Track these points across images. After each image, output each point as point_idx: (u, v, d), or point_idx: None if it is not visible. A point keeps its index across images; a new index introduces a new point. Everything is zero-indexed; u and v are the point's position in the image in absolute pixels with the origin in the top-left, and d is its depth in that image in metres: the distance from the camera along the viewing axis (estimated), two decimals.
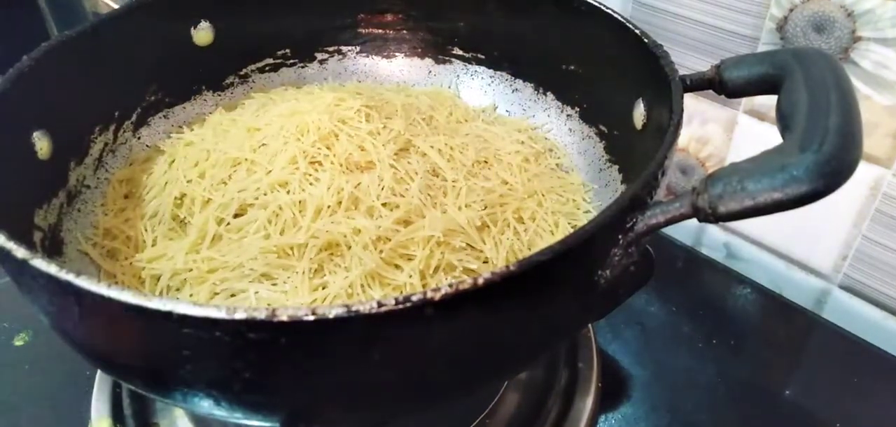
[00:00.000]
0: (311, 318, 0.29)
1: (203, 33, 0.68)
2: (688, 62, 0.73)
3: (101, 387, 0.60)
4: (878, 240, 0.67)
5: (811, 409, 0.62)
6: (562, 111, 0.67)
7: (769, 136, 0.70)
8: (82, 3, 1.05)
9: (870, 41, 0.61)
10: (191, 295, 0.48)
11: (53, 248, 0.52)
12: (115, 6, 0.83)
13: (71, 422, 0.60)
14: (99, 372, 0.61)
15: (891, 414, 0.63)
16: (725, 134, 0.74)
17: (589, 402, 0.60)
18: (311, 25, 0.73)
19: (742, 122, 0.73)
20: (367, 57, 0.76)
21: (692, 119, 0.77)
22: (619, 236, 0.37)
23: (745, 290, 0.75)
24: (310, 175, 0.53)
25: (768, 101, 0.68)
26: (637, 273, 0.41)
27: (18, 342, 0.67)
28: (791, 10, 0.64)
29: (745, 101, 0.72)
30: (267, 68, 0.73)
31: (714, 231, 0.81)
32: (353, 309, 0.29)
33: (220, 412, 0.35)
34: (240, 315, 0.29)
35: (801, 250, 0.74)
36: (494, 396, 0.59)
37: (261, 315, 0.29)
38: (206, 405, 0.35)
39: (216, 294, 0.48)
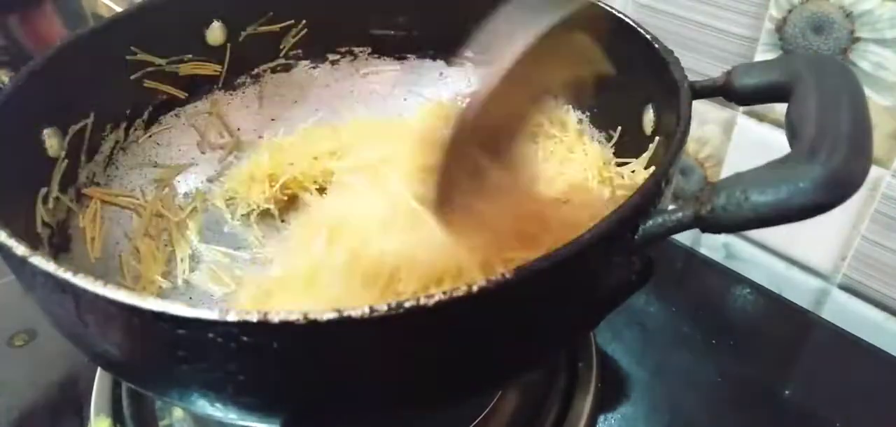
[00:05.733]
0: (303, 321, 0.29)
1: (215, 32, 0.68)
2: (686, 63, 0.73)
3: (100, 387, 0.60)
4: (877, 240, 0.67)
5: (811, 409, 0.62)
6: (573, 115, 0.67)
7: (768, 138, 0.70)
8: (82, 5, 1.05)
9: (868, 42, 0.61)
10: None
11: (61, 245, 0.53)
12: (115, 7, 0.83)
13: (71, 422, 0.60)
14: (99, 372, 0.61)
15: (890, 414, 0.62)
16: (724, 135, 0.74)
17: (588, 402, 0.60)
18: (322, 26, 0.73)
19: (741, 123, 0.72)
20: (379, 58, 0.76)
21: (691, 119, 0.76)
22: (621, 245, 0.37)
23: (745, 290, 0.75)
24: None
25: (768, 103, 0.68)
26: (636, 277, 0.41)
27: (18, 342, 0.67)
28: (790, 11, 0.64)
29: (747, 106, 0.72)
30: (278, 68, 0.74)
31: None
32: (345, 314, 0.29)
33: (217, 413, 0.35)
34: (232, 317, 0.29)
35: (801, 250, 0.74)
36: (494, 397, 0.58)
37: (253, 318, 0.29)
38: (202, 405, 0.35)
39: None
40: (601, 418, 0.62)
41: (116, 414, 0.59)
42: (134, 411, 0.59)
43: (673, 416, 0.62)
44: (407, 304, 0.29)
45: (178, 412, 0.59)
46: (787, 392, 0.64)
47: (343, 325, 0.29)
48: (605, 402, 0.62)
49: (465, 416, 0.57)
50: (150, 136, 0.66)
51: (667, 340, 0.69)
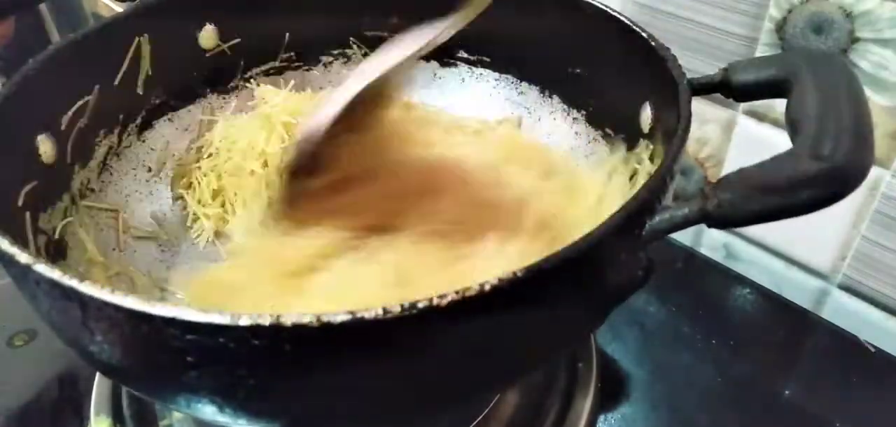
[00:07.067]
0: (316, 324, 0.29)
1: (207, 36, 0.67)
2: (686, 63, 0.73)
3: (100, 387, 0.60)
4: (877, 240, 0.67)
5: (810, 409, 0.63)
6: (568, 114, 0.67)
7: (769, 137, 0.70)
8: (82, 5, 1.05)
9: (868, 42, 0.61)
10: None
11: (57, 252, 0.52)
12: (116, 8, 0.83)
13: (71, 422, 0.60)
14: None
15: (890, 414, 0.63)
16: (724, 134, 0.74)
17: (588, 402, 0.60)
18: (315, 28, 0.72)
19: (741, 123, 0.73)
20: None
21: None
22: (628, 241, 0.37)
23: (745, 290, 0.75)
24: None
25: (767, 102, 0.68)
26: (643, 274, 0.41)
27: (18, 342, 0.67)
28: (790, 11, 0.64)
29: (745, 102, 0.72)
30: (271, 71, 0.73)
31: (714, 231, 0.80)
32: (359, 315, 0.29)
33: (224, 418, 0.35)
34: (244, 321, 0.29)
35: (801, 250, 0.74)
36: (494, 397, 0.58)
37: (265, 321, 0.29)
38: (209, 411, 0.35)
39: None
40: (601, 418, 0.62)
41: (116, 414, 0.58)
42: (134, 411, 0.58)
43: (673, 416, 0.62)
44: (420, 305, 0.29)
45: (178, 413, 0.59)
46: (787, 392, 0.64)
47: (356, 327, 0.29)
48: (605, 402, 0.62)
49: (465, 416, 0.57)
50: (144, 142, 0.65)
51: (667, 340, 0.69)
